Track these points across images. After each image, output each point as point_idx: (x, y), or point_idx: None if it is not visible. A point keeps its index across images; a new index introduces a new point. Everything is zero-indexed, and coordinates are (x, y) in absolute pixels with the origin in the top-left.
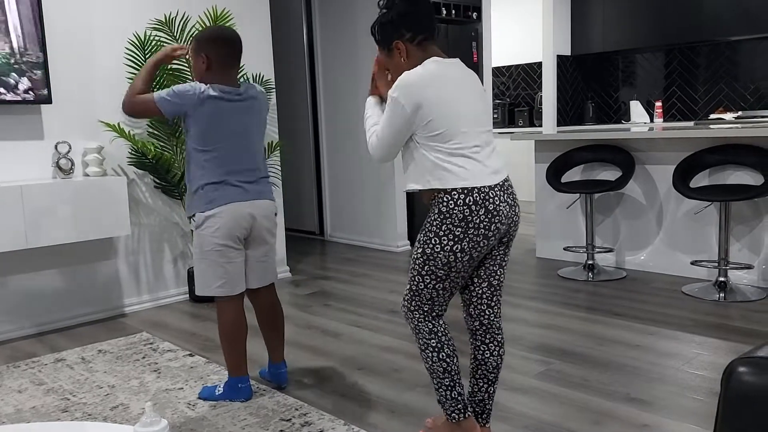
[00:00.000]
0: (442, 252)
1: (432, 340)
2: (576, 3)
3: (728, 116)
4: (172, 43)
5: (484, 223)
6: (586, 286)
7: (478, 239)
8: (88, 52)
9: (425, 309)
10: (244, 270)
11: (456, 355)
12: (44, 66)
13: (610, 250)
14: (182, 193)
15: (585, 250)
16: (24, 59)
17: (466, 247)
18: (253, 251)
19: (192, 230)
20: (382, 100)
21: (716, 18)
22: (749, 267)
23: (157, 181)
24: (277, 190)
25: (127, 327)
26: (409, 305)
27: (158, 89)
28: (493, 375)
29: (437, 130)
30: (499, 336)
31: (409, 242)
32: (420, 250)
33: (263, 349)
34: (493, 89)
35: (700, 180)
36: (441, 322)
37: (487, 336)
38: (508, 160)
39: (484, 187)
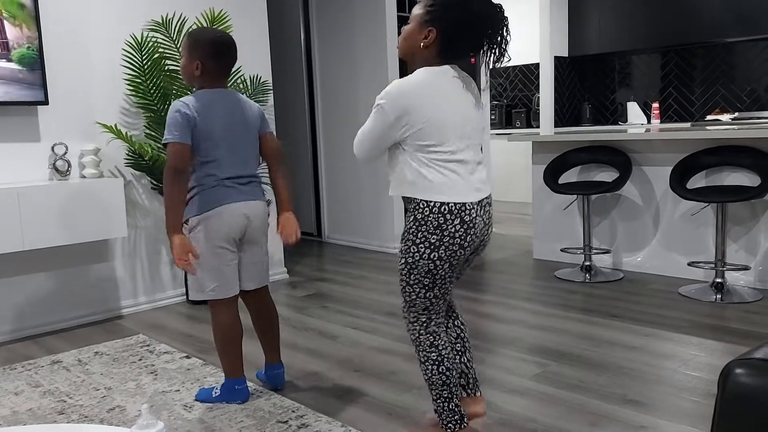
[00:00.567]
0: (421, 260)
1: (432, 354)
2: (573, 5)
3: (725, 117)
4: (169, 44)
5: (459, 233)
6: (583, 287)
7: (454, 248)
8: (85, 53)
9: (423, 320)
10: (237, 272)
11: (455, 368)
12: (41, 67)
13: (607, 252)
14: None
15: (582, 251)
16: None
17: (443, 255)
18: (247, 253)
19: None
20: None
21: (712, 19)
22: (746, 268)
23: (154, 182)
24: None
25: (123, 329)
26: (408, 317)
27: (155, 89)
28: (459, 345)
29: (425, 140)
30: (450, 312)
31: None
32: (403, 261)
33: (259, 350)
34: (491, 90)
35: (697, 181)
36: (442, 336)
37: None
38: (506, 161)
39: (458, 201)
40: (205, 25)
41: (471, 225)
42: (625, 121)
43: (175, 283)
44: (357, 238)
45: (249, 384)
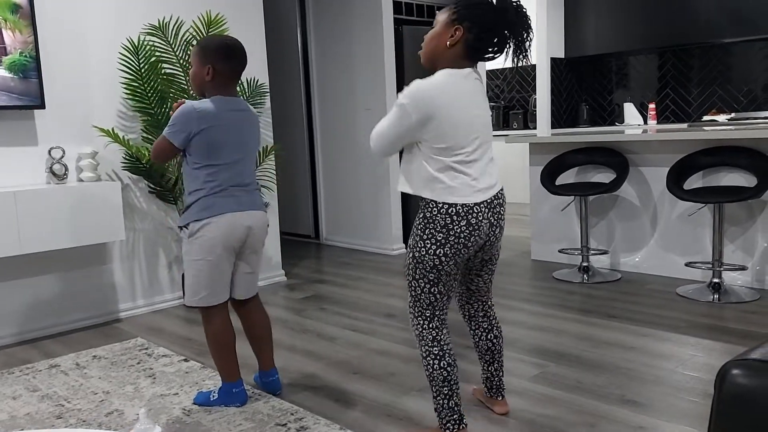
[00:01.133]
0: (427, 255)
1: (434, 348)
2: (569, 6)
3: (721, 118)
4: (166, 48)
5: (464, 234)
6: (580, 288)
7: (458, 247)
8: (82, 57)
9: (427, 314)
10: (230, 280)
11: (456, 366)
12: (37, 71)
13: (605, 252)
14: (177, 197)
15: (580, 252)
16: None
17: (449, 252)
18: (243, 262)
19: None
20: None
21: (709, 20)
22: (743, 268)
23: (152, 186)
24: (273, 194)
25: (121, 332)
26: (413, 311)
27: (152, 93)
28: (488, 356)
29: (444, 143)
30: (485, 323)
31: (404, 245)
32: (410, 255)
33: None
34: (488, 92)
35: (694, 182)
36: (444, 332)
37: (472, 323)
38: (503, 163)
39: (467, 204)
40: (202, 29)
41: (477, 227)
42: (622, 122)
43: (173, 286)
44: (355, 240)
45: (247, 387)
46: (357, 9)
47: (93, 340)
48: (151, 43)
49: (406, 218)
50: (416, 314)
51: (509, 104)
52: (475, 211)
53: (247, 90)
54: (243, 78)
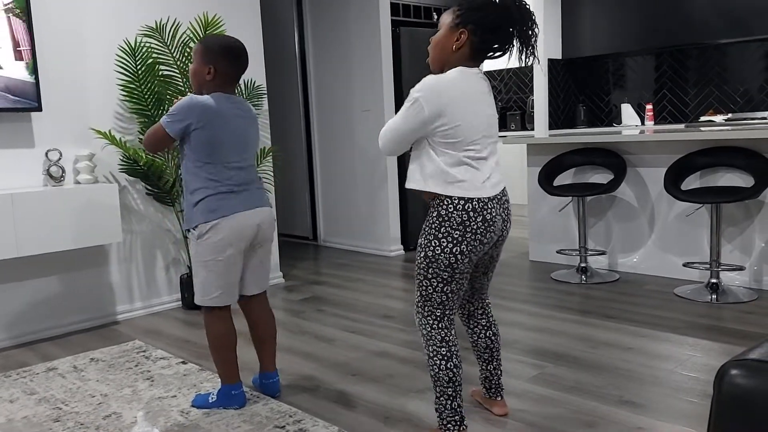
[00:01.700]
0: (442, 254)
1: (442, 349)
2: (566, 7)
3: (718, 118)
4: (163, 49)
5: (481, 230)
6: (579, 288)
7: (474, 243)
8: (79, 59)
9: (437, 314)
10: (240, 278)
11: (461, 368)
12: (34, 73)
13: (603, 253)
14: (174, 199)
15: (578, 252)
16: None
17: (465, 249)
18: (254, 258)
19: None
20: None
21: (705, 21)
22: (741, 268)
23: (149, 187)
24: (270, 195)
25: (119, 335)
26: (422, 311)
27: (149, 94)
28: (487, 354)
29: (456, 138)
30: (483, 320)
31: (402, 247)
32: (422, 254)
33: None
34: None
35: (692, 182)
36: (453, 332)
37: (471, 321)
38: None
39: (483, 198)
40: (199, 30)
41: (492, 223)
42: (620, 122)
43: (171, 288)
44: (353, 242)
45: (245, 389)
46: (354, 10)
47: (90, 343)
48: (148, 44)
49: (404, 219)
50: (425, 314)
51: (506, 105)
52: (489, 206)
53: (244, 91)
54: (240, 79)
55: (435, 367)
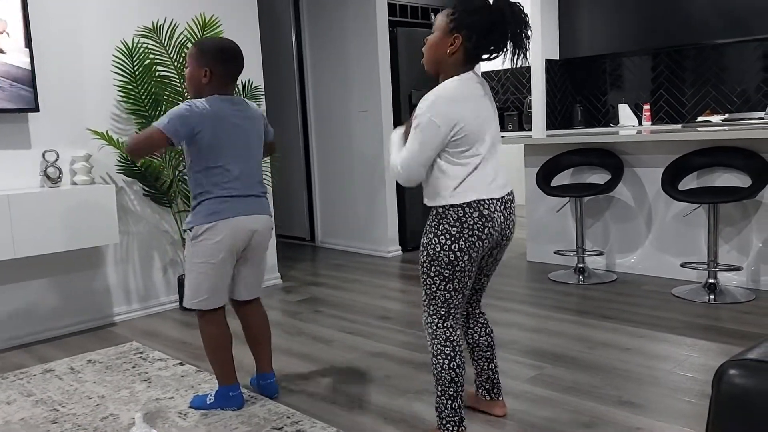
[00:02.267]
0: (442, 251)
1: (446, 348)
2: (564, 7)
3: (715, 119)
4: (161, 50)
5: (478, 225)
6: (576, 289)
7: (473, 239)
8: (76, 60)
9: (442, 313)
10: (231, 282)
11: (464, 369)
12: (31, 73)
13: (600, 253)
14: (171, 200)
15: (575, 253)
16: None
17: (463, 246)
18: (247, 264)
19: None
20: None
21: (702, 21)
22: (738, 269)
23: (146, 188)
24: (268, 196)
25: (116, 336)
26: (428, 310)
27: (146, 95)
28: (488, 352)
29: (461, 146)
30: (481, 319)
31: (400, 247)
32: (425, 253)
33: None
34: None
35: (689, 182)
36: (458, 333)
37: (470, 320)
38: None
39: (483, 199)
40: (196, 31)
41: (489, 218)
42: (617, 123)
43: (168, 289)
44: (350, 243)
45: (243, 390)
46: (351, 11)
47: (88, 344)
48: (145, 45)
49: (401, 220)
50: (431, 312)
51: (504, 106)
52: (487, 203)
53: (242, 92)
54: (238, 80)
55: (438, 366)
